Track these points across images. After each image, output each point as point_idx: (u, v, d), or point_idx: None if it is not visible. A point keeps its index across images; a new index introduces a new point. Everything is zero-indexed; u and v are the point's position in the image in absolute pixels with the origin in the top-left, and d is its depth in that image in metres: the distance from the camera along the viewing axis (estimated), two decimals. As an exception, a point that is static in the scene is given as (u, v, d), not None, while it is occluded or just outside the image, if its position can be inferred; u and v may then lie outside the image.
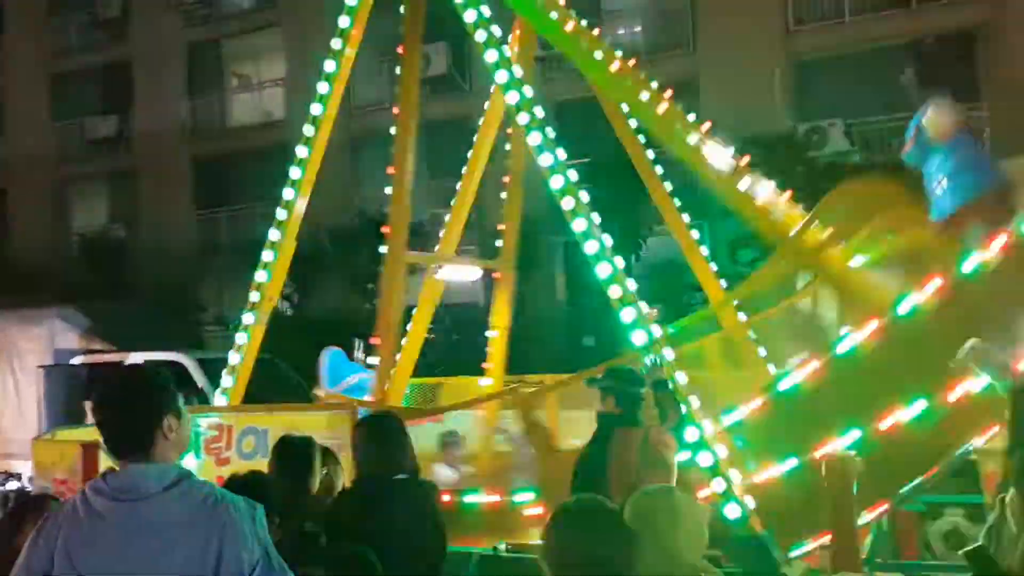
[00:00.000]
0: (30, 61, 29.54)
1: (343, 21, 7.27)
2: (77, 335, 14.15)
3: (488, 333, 9.82)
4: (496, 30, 6.71)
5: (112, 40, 28.31)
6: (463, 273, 9.25)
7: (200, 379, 12.91)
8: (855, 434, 5.05)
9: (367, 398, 7.64)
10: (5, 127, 30.28)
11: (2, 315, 14.54)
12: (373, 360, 7.87)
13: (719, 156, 7.14)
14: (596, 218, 6.24)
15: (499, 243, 9.73)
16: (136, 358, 12.96)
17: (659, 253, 18.29)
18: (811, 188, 16.73)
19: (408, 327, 9.94)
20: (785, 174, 17.12)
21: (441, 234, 9.96)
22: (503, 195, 9.83)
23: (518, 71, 6.59)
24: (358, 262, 21.07)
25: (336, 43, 7.27)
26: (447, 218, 9.68)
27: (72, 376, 12.85)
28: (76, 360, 13.52)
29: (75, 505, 2.72)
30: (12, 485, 12.16)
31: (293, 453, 4.74)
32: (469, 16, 6.70)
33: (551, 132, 6.44)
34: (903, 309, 5.46)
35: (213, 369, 12.88)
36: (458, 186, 9.73)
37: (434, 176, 23.40)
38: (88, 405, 11.29)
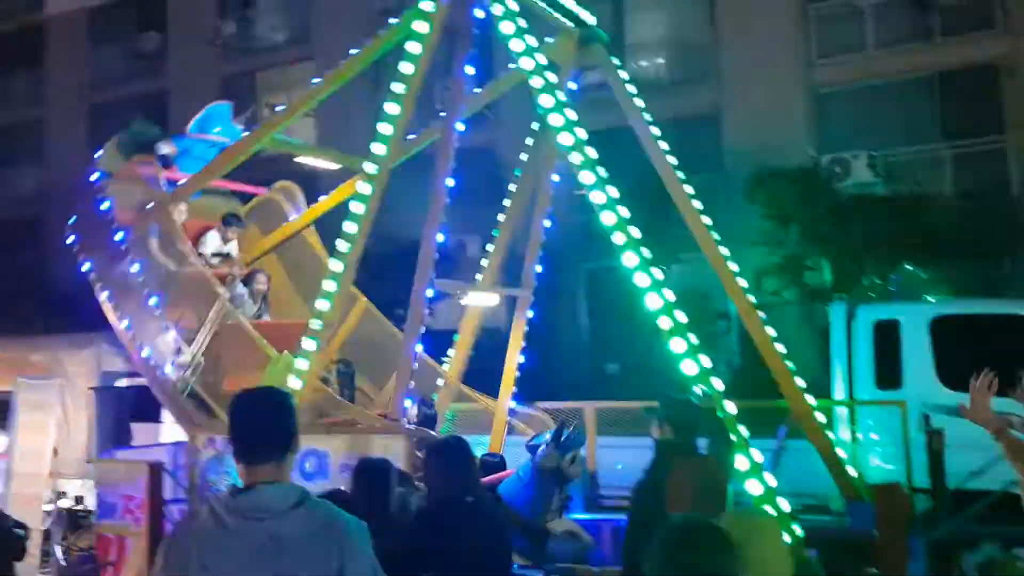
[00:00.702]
0: (70, 92, 30.27)
1: (406, 67, 7.63)
2: (122, 358, 14.50)
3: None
4: (551, 76, 7.11)
5: (150, 72, 29.02)
6: (485, 300, 9.62)
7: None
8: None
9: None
10: (44, 156, 30.98)
11: (51, 339, 14.97)
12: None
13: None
14: (647, 252, 6.55)
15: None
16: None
17: (684, 281, 18.55)
18: (835, 219, 17.07)
19: (450, 352, 10.32)
20: (809, 205, 17.47)
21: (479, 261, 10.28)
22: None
23: (571, 113, 6.96)
24: (385, 288, 21.42)
25: (399, 87, 7.63)
26: (489, 247, 10.00)
27: (120, 398, 13.20)
28: (123, 382, 13.89)
29: (204, 519, 2.92)
30: (64, 503, 12.50)
31: (372, 475, 5.08)
32: (526, 64, 7.10)
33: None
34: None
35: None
36: (500, 218, 10.05)
37: (458, 204, 23.84)
38: (137, 426, 11.61)
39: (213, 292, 9.57)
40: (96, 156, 11.12)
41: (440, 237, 7.46)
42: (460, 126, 7.55)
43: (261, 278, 11.20)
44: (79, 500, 12.70)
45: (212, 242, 11.58)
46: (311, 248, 12.21)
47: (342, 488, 5.15)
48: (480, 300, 9.22)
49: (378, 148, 7.76)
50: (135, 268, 9.88)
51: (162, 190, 10.44)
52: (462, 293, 9.51)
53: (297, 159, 12.15)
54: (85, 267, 10.68)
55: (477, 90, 9.30)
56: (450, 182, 7.46)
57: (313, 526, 2.88)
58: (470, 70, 7.67)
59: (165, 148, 11.34)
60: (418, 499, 5.19)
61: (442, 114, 7.92)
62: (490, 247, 10.04)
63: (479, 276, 10.08)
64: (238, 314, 9.60)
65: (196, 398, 9.02)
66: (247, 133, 10.85)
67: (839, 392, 9.52)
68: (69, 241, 11.16)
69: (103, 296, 10.35)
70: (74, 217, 11.36)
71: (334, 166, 12.49)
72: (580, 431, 7.85)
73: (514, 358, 9.81)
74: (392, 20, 8.67)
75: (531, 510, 6.58)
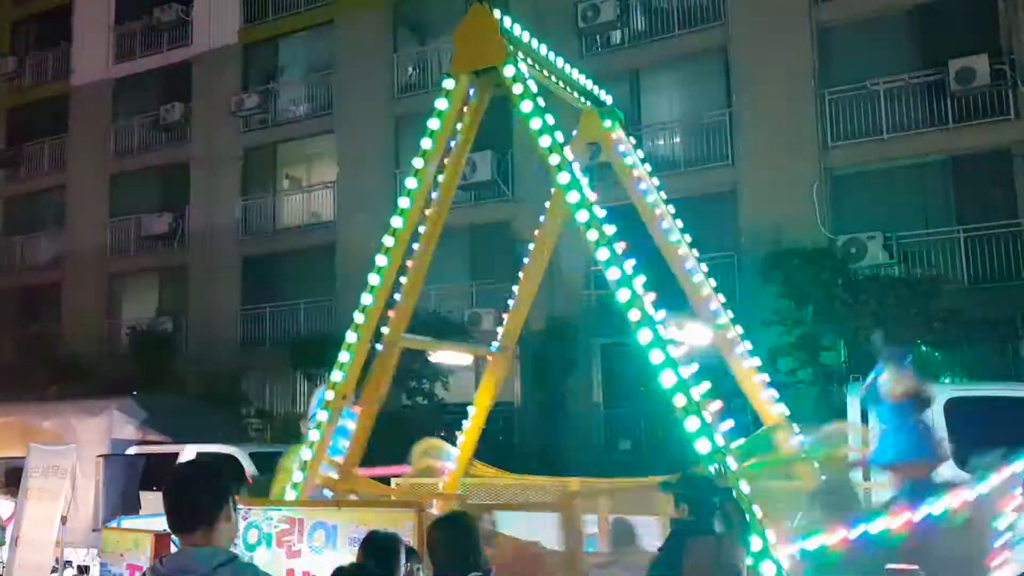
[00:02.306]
0: (93, 159, 30.87)
1: (425, 143, 7.76)
2: (133, 426, 14.53)
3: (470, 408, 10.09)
4: (568, 153, 7.22)
5: (172, 142, 29.60)
6: (456, 359, 9.67)
7: (251, 471, 13.20)
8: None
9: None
10: (65, 223, 31.45)
11: (63, 405, 15.04)
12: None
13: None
14: (662, 330, 6.56)
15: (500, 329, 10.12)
16: (191, 450, 13.32)
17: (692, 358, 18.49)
18: (851, 299, 17.07)
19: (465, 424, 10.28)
20: (824, 285, 17.49)
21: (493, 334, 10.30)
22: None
23: (589, 194, 7.05)
24: (400, 360, 21.43)
25: (418, 162, 7.75)
26: (505, 317, 10.06)
27: (129, 466, 13.19)
28: (132, 450, 13.88)
29: None
30: (68, 573, 12.38)
31: (380, 548, 5.02)
32: (544, 142, 7.22)
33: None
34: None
35: (262, 462, 13.21)
36: (515, 289, 10.12)
37: (475, 277, 23.99)
38: (146, 494, 11.59)
39: None
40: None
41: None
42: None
43: None
44: (84, 570, 12.58)
45: None
46: None
47: (350, 563, 5.08)
48: (448, 359, 9.31)
49: (396, 221, 7.85)
50: None
51: None
52: (431, 351, 9.62)
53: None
54: None
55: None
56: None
57: None
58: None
59: None
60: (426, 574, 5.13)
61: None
62: (506, 316, 10.06)
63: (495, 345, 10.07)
64: None
65: None
66: None
67: (855, 474, 9.39)
68: None
69: None
70: None
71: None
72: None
73: (480, 421, 10.00)
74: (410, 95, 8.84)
75: None
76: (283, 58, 29.28)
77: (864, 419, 9.41)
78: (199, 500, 3.10)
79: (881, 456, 7.27)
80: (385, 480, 9.84)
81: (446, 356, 9.54)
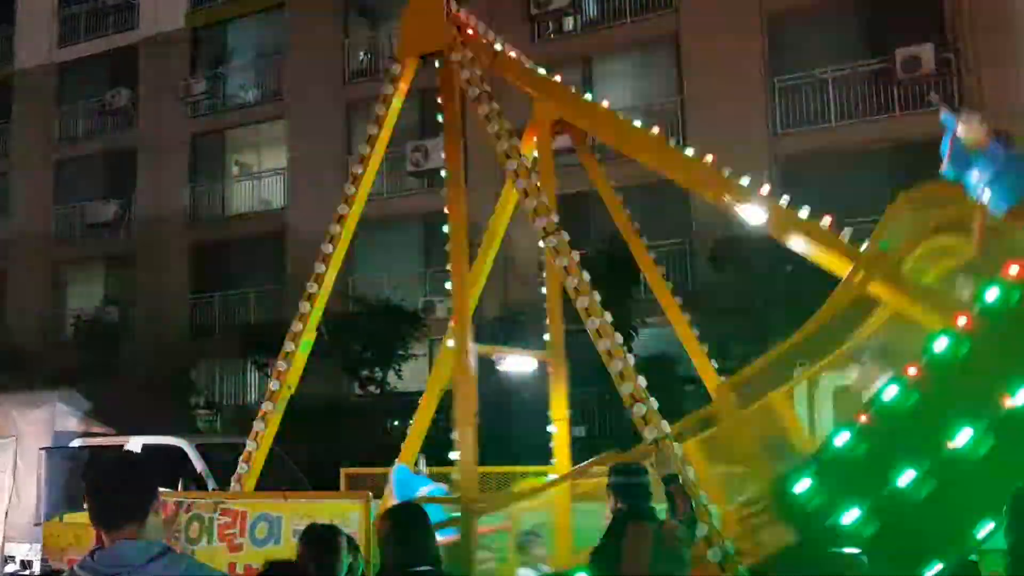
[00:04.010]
0: (37, 146, 30.17)
1: (371, 129, 7.65)
2: (77, 418, 14.20)
3: (551, 428, 9.82)
4: (515, 139, 7.16)
5: (119, 128, 29.01)
6: (521, 364, 9.54)
7: (199, 464, 12.96)
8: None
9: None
10: (8, 210, 30.72)
11: (4, 397, 14.64)
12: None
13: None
14: (608, 316, 6.53)
15: (547, 336, 9.89)
16: (136, 442, 13.03)
17: (650, 345, 18.56)
18: (800, 285, 17.19)
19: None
20: (774, 271, 17.61)
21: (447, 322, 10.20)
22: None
23: (535, 180, 6.99)
24: (352, 349, 21.29)
25: (364, 149, 7.65)
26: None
27: (73, 459, 12.90)
28: (76, 443, 13.58)
29: None
30: (9, 568, 12.11)
31: (320, 541, 4.95)
32: (492, 128, 7.15)
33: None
34: (991, 297, 5.62)
35: (209, 453, 13.00)
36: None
37: (428, 264, 23.86)
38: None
39: None
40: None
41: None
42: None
43: None
44: (26, 565, 12.32)
45: None
46: None
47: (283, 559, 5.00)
48: (518, 365, 9.22)
49: (342, 208, 7.74)
50: None
51: None
52: (499, 357, 9.44)
53: None
54: None
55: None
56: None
57: None
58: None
59: None
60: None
61: None
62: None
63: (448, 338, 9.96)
64: None
65: None
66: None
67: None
68: None
69: None
70: None
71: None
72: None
73: (430, 410, 9.76)
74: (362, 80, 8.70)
75: None
76: (232, 42, 28.82)
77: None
78: (126, 495, 2.97)
79: (999, 204, 6.52)
80: None
81: (515, 362, 9.37)
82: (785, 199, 7.52)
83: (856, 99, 20.04)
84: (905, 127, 19.47)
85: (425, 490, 8.52)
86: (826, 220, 7.33)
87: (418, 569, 4.51)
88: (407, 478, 9.43)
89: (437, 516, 6.57)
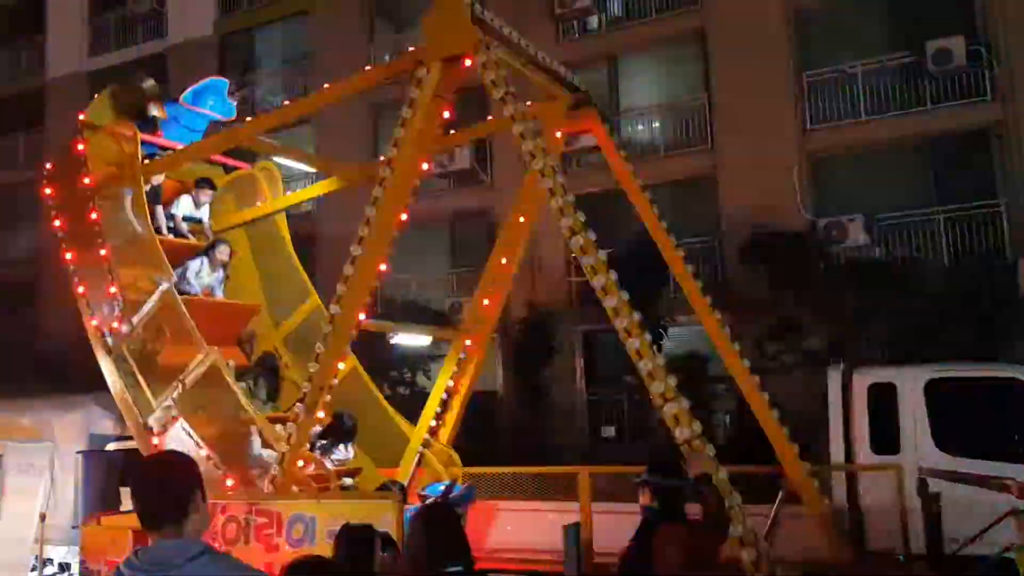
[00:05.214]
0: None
1: (398, 132, 7.70)
2: (112, 421, 14.33)
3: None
4: (540, 140, 7.16)
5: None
6: (414, 340, 9.66)
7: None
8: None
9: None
10: (41, 217, 31.06)
11: (40, 401, 14.81)
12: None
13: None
14: (637, 316, 6.50)
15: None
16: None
17: (681, 344, 18.50)
18: (832, 282, 17.08)
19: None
20: (805, 269, 17.50)
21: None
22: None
23: (561, 179, 6.98)
24: (376, 349, 21.36)
25: (391, 152, 7.68)
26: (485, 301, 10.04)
27: (108, 461, 13.02)
28: (112, 446, 13.71)
29: None
30: (49, 571, 12.24)
31: (354, 540, 4.98)
32: (516, 129, 7.16)
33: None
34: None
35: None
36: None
37: (455, 265, 23.91)
38: (126, 490, 11.51)
39: (166, 266, 9.63)
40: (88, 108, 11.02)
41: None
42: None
43: (224, 248, 11.20)
44: (64, 568, 12.45)
45: (185, 205, 11.69)
46: (279, 234, 12.29)
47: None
48: (410, 339, 9.32)
49: (369, 211, 7.78)
50: (94, 216, 10.02)
51: (138, 157, 10.51)
52: (392, 333, 9.56)
53: (274, 158, 12.22)
54: (55, 223, 10.84)
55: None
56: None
57: (208, 574, 2.98)
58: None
59: (155, 111, 11.45)
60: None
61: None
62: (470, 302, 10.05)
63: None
64: (178, 303, 9.53)
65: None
66: (239, 121, 11.00)
67: (837, 457, 9.40)
68: (45, 191, 11.19)
69: (68, 257, 10.53)
70: (49, 166, 11.26)
71: (309, 169, 12.74)
72: (471, 490, 7.88)
73: (438, 394, 9.97)
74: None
75: None
76: (260, 49, 29.06)
77: (844, 403, 9.40)
78: (165, 496, 3.07)
79: None
80: None
81: (408, 338, 9.58)
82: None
83: (886, 93, 19.85)
84: (937, 121, 19.29)
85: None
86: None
87: (450, 569, 4.54)
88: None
89: None
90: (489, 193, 22.98)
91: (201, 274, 10.88)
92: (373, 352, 20.66)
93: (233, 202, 12.54)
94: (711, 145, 21.59)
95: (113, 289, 9.81)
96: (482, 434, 17.42)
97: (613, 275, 6.64)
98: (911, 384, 9.19)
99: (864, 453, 9.18)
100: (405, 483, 8.88)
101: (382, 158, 7.90)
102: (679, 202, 19.94)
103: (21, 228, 31.61)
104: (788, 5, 21.06)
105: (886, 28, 20.49)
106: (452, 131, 10.00)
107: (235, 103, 12.47)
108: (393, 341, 9.53)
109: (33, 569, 11.99)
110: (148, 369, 9.30)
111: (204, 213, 11.90)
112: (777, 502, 8.04)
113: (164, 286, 9.58)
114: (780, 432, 8.03)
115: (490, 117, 10.86)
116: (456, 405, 10.05)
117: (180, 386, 8.85)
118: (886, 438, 9.10)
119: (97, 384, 11.06)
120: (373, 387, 11.18)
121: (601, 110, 9.72)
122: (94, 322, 10.04)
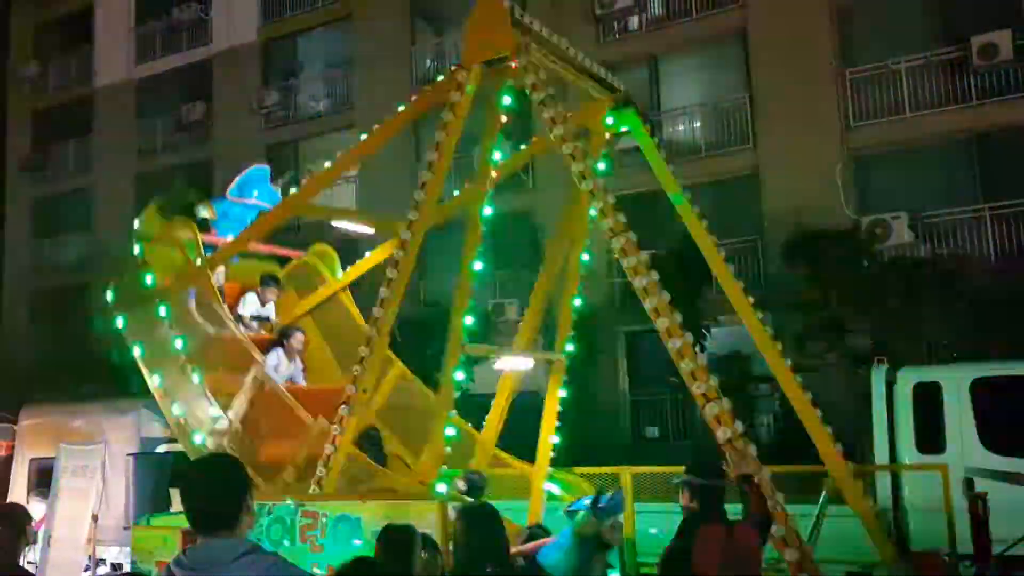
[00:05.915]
0: (118, 160, 31.12)
1: (439, 135, 7.78)
2: (161, 424, 14.63)
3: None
4: (581, 142, 7.21)
5: (195, 141, 29.79)
6: (518, 363, 9.54)
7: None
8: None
9: None
10: (92, 223, 31.74)
11: (92, 405, 15.19)
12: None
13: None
14: (678, 316, 6.51)
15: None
16: (218, 447, 13.41)
17: (724, 344, 18.40)
18: (876, 281, 16.90)
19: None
20: (849, 268, 17.33)
21: (517, 324, 10.30)
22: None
23: (601, 180, 7.02)
24: (425, 352, 21.47)
25: (432, 155, 7.77)
26: (524, 312, 10.02)
27: (159, 464, 13.30)
28: (161, 448, 14.00)
29: None
30: (102, 571, 12.52)
31: (396, 541, 5.07)
32: (557, 132, 7.21)
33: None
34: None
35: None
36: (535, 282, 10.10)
37: (498, 268, 23.98)
38: (176, 492, 11.73)
39: (249, 357, 9.63)
40: (136, 222, 11.32)
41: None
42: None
43: (298, 336, 11.20)
44: (116, 568, 12.72)
45: (251, 304, 11.70)
46: (347, 311, 12.27)
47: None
48: (513, 364, 9.15)
49: (412, 214, 7.87)
50: (178, 344, 9.94)
51: (201, 254, 10.59)
52: (494, 357, 9.42)
53: (333, 223, 12.27)
54: (119, 323, 10.85)
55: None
56: (477, 265, 7.96)
57: (259, 573, 3.01)
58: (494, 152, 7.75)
59: (204, 212, 11.55)
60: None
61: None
62: (526, 311, 10.03)
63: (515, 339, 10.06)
64: (273, 382, 9.61)
65: None
66: (285, 197, 11.02)
67: (881, 456, 9.33)
68: (110, 301, 11.33)
69: (136, 351, 10.46)
70: (114, 288, 11.54)
71: (369, 230, 12.63)
72: (619, 496, 7.72)
73: (550, 424, 9.62)
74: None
75: None
76: (302, 54, 29.39)
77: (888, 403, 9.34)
78: (220, 498, 3.12)
79: None
80: None
81: (511, 362, 9.46)
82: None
83: (931, 89, 19.59)
84: (983, 117, 19.01)
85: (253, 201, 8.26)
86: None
87: (490, 570, 4.61)
88: (258, 180, 9.60)
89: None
90: (531, 195, 23.02)
91: (280, 367, 10.71)
92: (420, 353, 20.88)
93: (295, 294, 12.49)
94: (753, 144, 21.45)
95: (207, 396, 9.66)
96: (525, 434, 17.46)
97: (654, 276, 6.67)
98: (956, 383, 9.11)
99: (909, 453, 9.11)
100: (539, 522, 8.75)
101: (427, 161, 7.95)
102: (721, 202, 19.82)
103: (71, 234, 32.30)
104: (830, 2, 20.87)
105: (930, 23, 20.21)
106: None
107: (279, 189, 12.58)
108: (496, 367, 9.42)
109: (86, 569, 12.26)
110: (253, 467, 9.03)
111: (270, 311, 11.85)
112: (820, 502, 8.00)
113: (254, 371, 9.46)
114: (823, 432, 7.98)
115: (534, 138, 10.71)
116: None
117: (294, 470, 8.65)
118: (931, 438, 9.04)
119: (147, 389, 11.28)
120: (424, 388, 11.21)
121: (642, 110, 9.72)
122: (183, 425, 9.90)
